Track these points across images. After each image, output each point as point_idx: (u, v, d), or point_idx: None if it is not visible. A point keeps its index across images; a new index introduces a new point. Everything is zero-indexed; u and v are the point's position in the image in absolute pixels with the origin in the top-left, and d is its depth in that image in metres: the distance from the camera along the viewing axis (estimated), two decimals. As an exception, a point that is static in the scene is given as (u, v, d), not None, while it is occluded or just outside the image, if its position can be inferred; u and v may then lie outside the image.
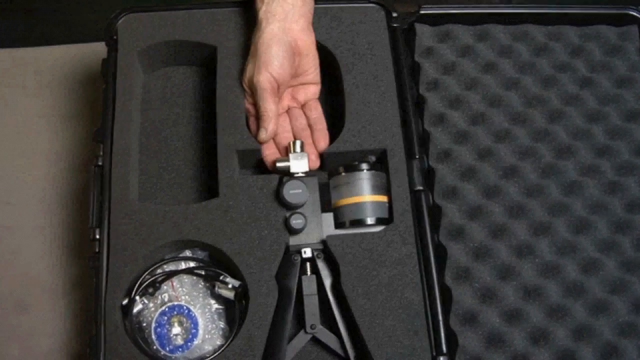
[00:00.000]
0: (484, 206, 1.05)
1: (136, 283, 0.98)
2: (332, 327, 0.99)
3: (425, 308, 0.97)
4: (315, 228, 1.00)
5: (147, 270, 0.99)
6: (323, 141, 1.04)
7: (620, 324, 1.01)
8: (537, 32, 1.18)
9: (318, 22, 1.07)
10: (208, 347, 0.98)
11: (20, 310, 1.24)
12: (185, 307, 0.98)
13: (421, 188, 1.03)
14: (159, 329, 0.97)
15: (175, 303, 0.98)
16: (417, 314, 0.97)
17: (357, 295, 0.97)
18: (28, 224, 1.30)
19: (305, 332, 0.98)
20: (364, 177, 1.01)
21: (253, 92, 1.01)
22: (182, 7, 1.12)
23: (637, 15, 1.19)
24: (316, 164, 1.03)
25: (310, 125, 1.06)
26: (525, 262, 1.03)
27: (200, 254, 1.02)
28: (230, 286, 0.97)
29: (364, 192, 1.01)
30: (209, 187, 1.08)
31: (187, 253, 1.02)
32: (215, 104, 1.06)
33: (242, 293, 0.97)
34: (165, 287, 1.00)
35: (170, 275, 1.00)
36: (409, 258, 0.99)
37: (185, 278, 1.01)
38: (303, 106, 1.08)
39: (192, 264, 1.01)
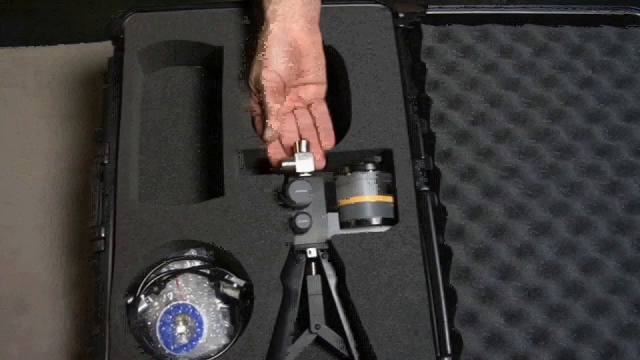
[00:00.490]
0: (485, 206, 1.05)
1: (141, 281, 0.98)
2: (336, 327, 0.99)
3: (429, 309, 0.97)
4: (320, 228, 1.00)
5: (152, 269, 0.99)
6: (328, 141, 1.04)
7: (620, 324, 1.01)
8: (538, 33, 1.19)
9: (323, 22, 1.07)
10: (212, 346, 0.97)
11: (20, 310, 1.24)
12: (190, 306, 0.97)
13: (426, 188, 1.04)
14: (163, 328, 0.97)
15: (180, 302, 0.98)
16: (417, 314, 0.97)
17: (361, 295, 0.97)
18: (28, 224, 1.30)
19: (310, 332, 0.98)
20: (369, 177, 1.02)
21: (259, 90, 1.01)
22: (184, 7, 1.12)
23: (638, 15, 1.20)
24: (321, 163, 1.03)
25: (315, 125, 1.05)
26: (525, 262, 1.03)
27: (206, 253, 1.02)
28: (235, 285, 0.97)
29: (369, 192, 1.01)
30: (209, 187, 1.09)
31: (193, 252, 1.02)
32: (216, 104, 1.06)
33: (247, 292, 0.97)
34: (170, 286, 0.99)
35: (176, 274, 1.00)
36: (413, 258, 0.99)
37: (191, 277, 1.00)
38: (308, 106, 1.08)
39: (197, 263, 1.01)
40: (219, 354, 0.94)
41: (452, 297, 0.99)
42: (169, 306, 0.97)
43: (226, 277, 0.99)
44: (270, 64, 0.99)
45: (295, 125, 1.06)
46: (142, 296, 0.98)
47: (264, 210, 1.00)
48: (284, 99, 1.04)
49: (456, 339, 0.97)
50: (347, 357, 0.98)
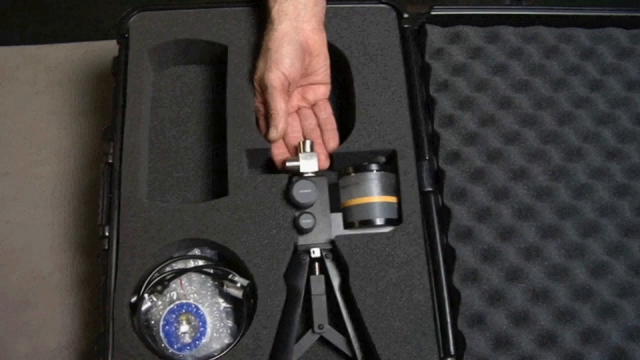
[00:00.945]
0: (493, 208, 1.05)
1: (145, 281, 0.98)
2: (340, 327, 0.99)
3: (433, 309, 0.97)
4: (324, 228, 1.00)
5: (156, 268, 0.99)
6: (333, 141, 1.04)
7: (628, 328, 1.00)
8: (548, 34, 1.18)
9: (329, 23, 1.07)
10: (216, 346, 0.98)
11: (28, 306, 1.25)
12: (193, 306, 0.98)
13: (430, 189, 1.03)
14: (167, 327, 0.97)
15: (184, 301, 0.98)
16: (424, 315, 0.97)
17: (365, 295, 0.97)
18: (37, 220, 1.31)
19: (313, 332, 0.98)
20: (374, 178, 1.01)
21: (264, 90, 1.01)
22: (192, 6, 1.13)
23: (649, 17, 1.19)
24: (326, 164, 1.04)
25: (320, 125, 1.06)
26: (533, 264, 1.03)
27: (209, 253, 1.03)
28: (238, 285, 0.97)
29: (373, 193, 1.01)
30: (217, 186, 1.09)
31: (196, 251, 1.02)
32: (225, 103, 1.06)
33: (251, 292, 0.97)
34: (174, 285, 1.00)
35: (179, 273, 1.00)
36: (417, 259, 0.99)
37: (194, 276, 1.01)
38: (313, 106, 1.08)
39: (200, 263, 1.02)
40: (222, 354, 0.95)
41: (455, 298, 0.99)
42: (172, 305, 0.98)
43: (230, 276, 0.99)
44: (277, 63, 0.99)
45: (300, 125, 1.06)
46: (146, 295, 0.98)
47: (269, 210, 1.00)
48: (288, 98, 1.03)
49: (460, 340, 0.97)
50: (350, 357, 0.98)
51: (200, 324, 0.97)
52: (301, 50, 1.00)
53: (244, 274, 0.98)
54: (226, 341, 0.98)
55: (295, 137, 1.05)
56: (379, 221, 1.00)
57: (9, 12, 1.56)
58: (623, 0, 1.25)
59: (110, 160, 1.03)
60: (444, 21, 1.16)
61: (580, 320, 1.00)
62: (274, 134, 1.01)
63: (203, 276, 1.01)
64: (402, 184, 1.02)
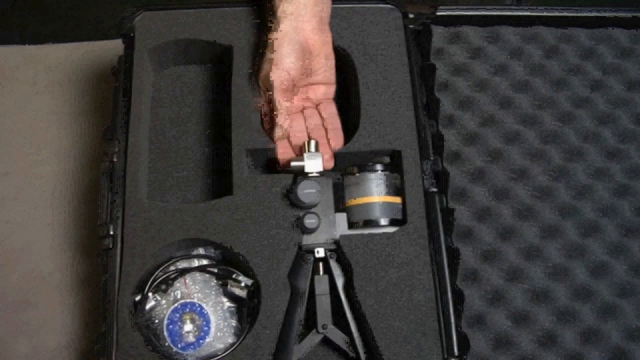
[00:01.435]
0: (493, 208, 1.05)
1: (149, 279, 0.98)
2: (343, 327, 0.99)
3: (437, 310, 0.97)
4: (329, 228, 1.00)
5: (160, 267, 0.99)
6: (337, 141, 1.04)
7: (629, 328, 1.01)
8: (548, 34, 1.18)
9: (333, 23, 1.07)
10: (219, 345, 0.97)
11: (28, 306, 1.25)
12: (197, 305, 0.97)
13: (434, 190, 1.03)
14: (171, 326, 0.97)
15: (188, 300, 0.98)
16: (425, 315, 0.97)
17: (365, 295, 0.97)
18: (37, 220, 1.31)
19: (317, 331, 0.98)
20: (378, 178, 1.02)
21: (268, 89, 1.02)
22: (193, 6, 1.12)
23: (650, 17, 1.20)
24: (330, 164, 1.03)
25: (324, 125, 1.06)
26: (533, 264, 1.03)
27: (213, 252, 1.02)
28: (242, 284, 0.97)
29: (377, 193, 1.01)
30: (217, 186, 1.09)
31: (200, 251, 1.02)
32: (226, 103, 1.06)
33: (255, 292, 0.97)
34: (177, 285, 0.99)
35: (183, 272, 1.00)
36: (418, 259, 0.99)
37: (198, 276, 1.01)
38: (317, 106, 1.08)
39: (204, 262, 1.01)
40: (226, 353, 0.95)
41: (459, 299, 0.99)
42: (176, 304, 0.97)
43: (234, 276, 0.99)
44: (279, 62, 0.99)
45: (304, 125, 1.06)
46: (150, 294, 0.98)
47: (273, 209, 1.00)
48: (292, 97, 1.04)
49: (463, 340, 0.97)
50: (353, 358, 0.98)
51: (204, 323, 0.97)
52: (301, 50, 1.01)
53: (248, 273, 0.98)
54: (230, 340, 0.98)
55: (299, 136, 1.04)
56: (382, 221, 1.00)
57: (9, 12, 1.56)
58: (623, 0, 1.25)
59: (112, 160, 1.03)
60: (445, 21, 1.16)
61: (580, 320, 1.00)
62: (278, 132, 1.02)
63: (207, 275, 1.01)
64: (406, 184, 1.02)
